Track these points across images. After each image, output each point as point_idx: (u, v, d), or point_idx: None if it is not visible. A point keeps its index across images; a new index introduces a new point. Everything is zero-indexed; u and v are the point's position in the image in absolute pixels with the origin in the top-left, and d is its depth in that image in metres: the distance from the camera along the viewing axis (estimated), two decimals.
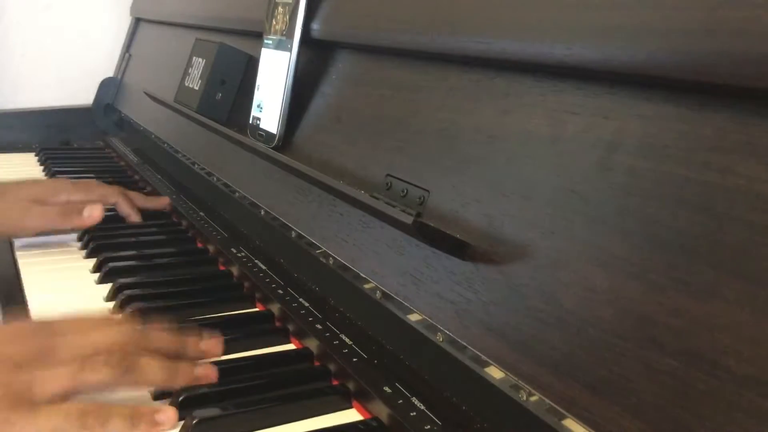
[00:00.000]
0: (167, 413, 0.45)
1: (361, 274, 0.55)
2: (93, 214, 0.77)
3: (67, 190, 0.82)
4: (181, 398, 0.47)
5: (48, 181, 0.89)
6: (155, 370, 0.47)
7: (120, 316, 0.53)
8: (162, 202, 0.91)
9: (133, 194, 0.88)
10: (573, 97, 0.41)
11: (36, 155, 1.25)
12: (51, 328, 0.48)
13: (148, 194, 1.02)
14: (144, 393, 0.50)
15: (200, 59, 0.87)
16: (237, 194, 0.79)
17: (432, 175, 0.50)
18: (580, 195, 0.39)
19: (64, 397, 0.44)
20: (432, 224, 0.45)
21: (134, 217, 0.86)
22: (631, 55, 0.36)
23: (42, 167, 1.17)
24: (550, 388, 0.38)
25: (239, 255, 0.74)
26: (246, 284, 0.69)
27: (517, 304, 0.41)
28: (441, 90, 0.52)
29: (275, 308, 0.63)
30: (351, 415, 0.49)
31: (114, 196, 0.85)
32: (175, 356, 0.50)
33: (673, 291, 0.33)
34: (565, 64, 0.40)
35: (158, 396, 0.49)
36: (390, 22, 0.57)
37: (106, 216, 0.85)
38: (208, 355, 0.52)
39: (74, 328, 0.49)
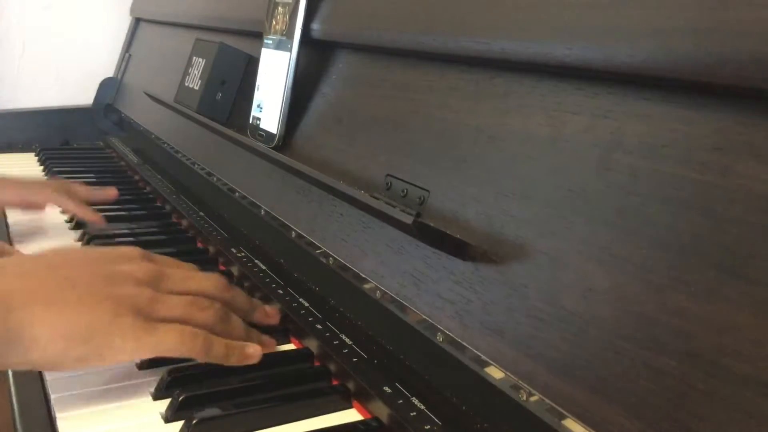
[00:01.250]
0: (254, 347, 0.52)
1: (361, 274, 0.55)
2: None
3: (8, 188, 0.83)
4: (181, 398, 0.47)
5: None
6: (240, 327, 0.54)
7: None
8: (108, 193, 0.90)
9: (76, 188, 0.86)
10: (573, 97, 0.41)
11: (36, 155, 1.25)
12: (155, 258, 0.55)
13: (148, 194, 1.02)
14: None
15: (200, 59, 0.87)
16: (237, 194, 0.79)
17: (432, 175, 0.50)
18: (580, 195, 0.39)
19: (173, 321, 0.49)
20: (432, 224, 0.45)
21: (81, 214, 0.83)
22: (631, 55, 0.36)
23: (42, 167, 1.17)
24: (550, 388, 0.38)
25: (239, 255, 0.74)
26: (246, 284, 0.69)
27: (517, 304, 0.41)
28: (441, 90, 0.52)
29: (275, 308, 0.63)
30: (351, 415, 0.49)
31: (50, 195, 0.83)
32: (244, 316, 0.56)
33: (674, 291, 0.33)
34: (565, 64, 0.40)
35: (158, 396, 0.49)
36: (390, 22, 0.57)
37: (106, 215, 0.85)
38: (267, 321, 0.59)
39: (177, 264, 0.57)
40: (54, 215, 0.88)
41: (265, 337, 0.56)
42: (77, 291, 0.47)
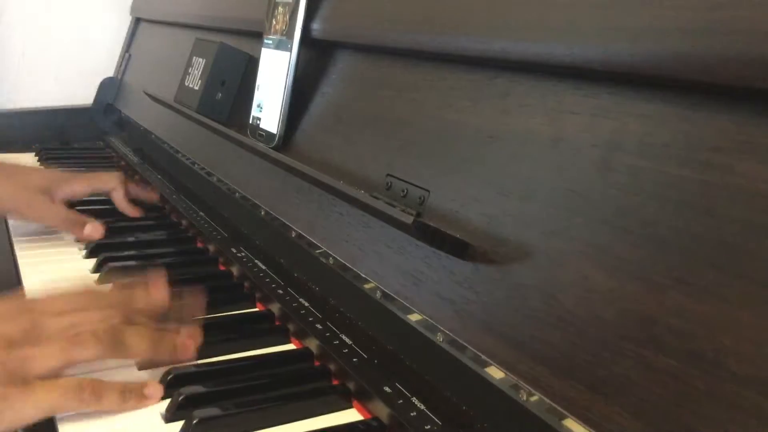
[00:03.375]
0: (154, 387, 0.48)
1: (361, 274, 0.55)
2: (93, 234, 0.79)
3: (70, 182, 0.84)
4: (181, 398, 0.47)
5: (55, 171, 0.91)
6: (140, 341, 0.50)
7: (101, 286, 0.55)
8: (151, 196, 0.93)
9: (131, 185, 0.90)
10: (573, 97, 0.41)
11: (36, 155, 1.25)
12: (36, 305, 0.50)
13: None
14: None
15: (200, 59, 0.87)
16: (237, 194, 0.79)
17: (432, 175, 0.50)
18: (580, 195, 0.39)
19: (57, 373, 0.46)
20: (432, 224, 0.45)
21: (129, 211, 0.88)
22: (631, 55, 0.36)
23: (42, 167, 1.17)
24: (550, 388, 0.38)
25: (239, 255, 0.74)
26: (246, 284, 0.69)
27: (517, 304, 0.41)
28: (441, 90, 0.52)
29: (275, 308, 0.63)
30: (351, 415, 0.49)
31: (113, 182, 0.88)
32: (159, 318, 0.52)
33: (674, 291, 0.33)
34: (565, 64, 0.40)
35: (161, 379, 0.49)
36: (390, 22, 0.57)
37: (106, 216, 0.85)
38: (189, 315, 0.55)
39: (59, 304, 0.50)
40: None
41: (182, 339, 0.52)
42: None
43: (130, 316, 0.51)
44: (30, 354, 0.46)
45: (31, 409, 0.44)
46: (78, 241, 0.80)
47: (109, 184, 0.88)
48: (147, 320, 0.52)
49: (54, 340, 0.47)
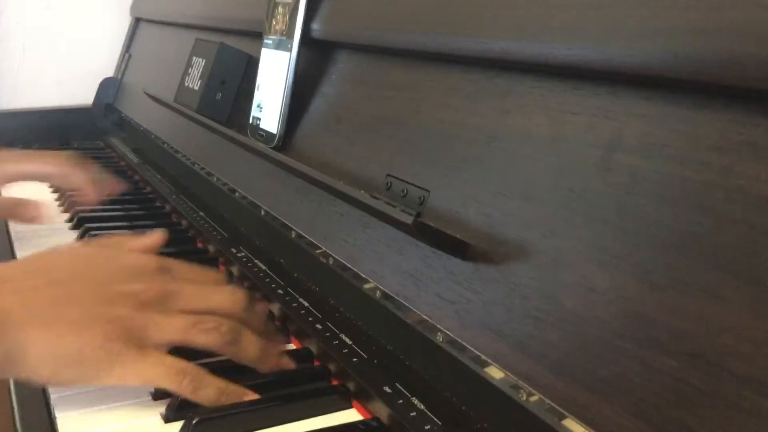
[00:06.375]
0: (250, 397, 0.48)
1: (361, 274, 0.55)
2: (36, 213, 0.76)
3: (14, 160, 0.81)
4: (181, 398, 0.47)
5: None
6: (253, 348, 0.51)
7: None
8: (114, 186, 0.89)
9: (89, 167, 0.86)
10: (573, 97, 0.41)
11: None
12: (173, 271, 0.53)
13: (148, 194, 1.02)
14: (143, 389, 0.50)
15: (200, 59, 0.87)
16: (237, 194, 0.79)
17: (432, 175, 0.50)
18: (580, 195, 0.39)
19: (171, 345, 0.48)
20: (432, 224, 0.45)
21: (89, 192, 0.83)
22: (631, 55, 0.36)
23: None
24: (550, 388, 0.38)
25: (239, 255, 0.74)
26: (246, 284, 0.69)
27: (517, 304, 0.41)
28: (441, 90, 0.52)
29: (275, 308, 0.63)
30: (351, 415, 0.49)
31: (51, 167, 0.82)
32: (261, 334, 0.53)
33: (673, 291, 0.33)
34: (565, 64, 0.40)
35: (157, 396, 0.49)
36: (390, 22, 0.57)
37: (106, 215, 0.85)
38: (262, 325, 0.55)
39: (194, 278, 0.53)
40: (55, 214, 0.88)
41: (285, 360, 0.53)
42: (73, 311, 0.46)
43: (249, 321, 0.52)
44: (155, 320, 0.47)
45: (135, 375, 0.45)
46: (27, 222, 0.77)
47: (46, 167, 0.81)
48: (257, 329, 0.53)
49: (181, 316, 0.48)
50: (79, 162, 0.83)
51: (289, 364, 0.53)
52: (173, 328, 0.48)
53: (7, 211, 0.77)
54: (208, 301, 0.51)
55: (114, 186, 0.89)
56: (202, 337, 0.48)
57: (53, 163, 0.82)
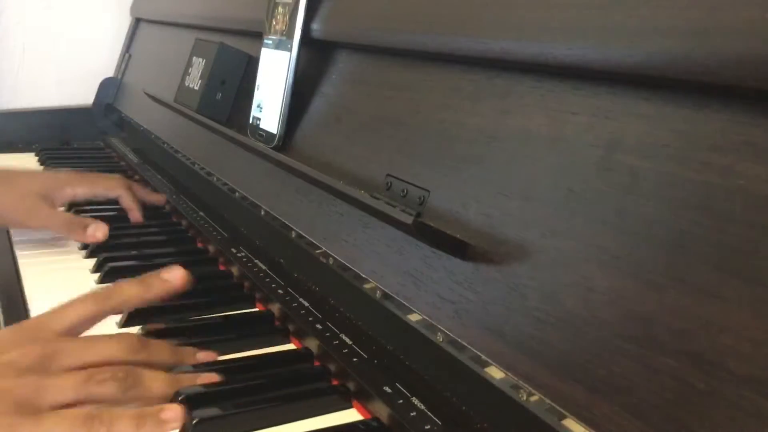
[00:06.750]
0: (173, 410, 0.44)
1: (361, 274, 0.55)
2: (96, 234, 0.78)
3: (71, 183, 0.84)
4: (180, 398, 0.47)
5: (53, 174, 0.90)
6: (159, 384, 0.47)
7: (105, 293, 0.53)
8: (160, 198, 0.94)
9: (136, 186, 0.91)
10: (573, 97, 0.41)
11: (36, 155, 1.25)
12: (48, 327, 0.48)
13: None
14: None
15: (200, 59, 0.87)
16: (237, 194, 0.79)
17: (432, 175, 0.50)
18: (580, 195, 0.39)
19: (68, 406, 0.44)
20: (432, 224, 0.45)
21: (136, 212, 0.87)
22: (631, 55, 0.36)
23: (42, 167, 1.17)
24: (550, 388, 0.38)
25: (239, 255, 0.74)
26: (246, 284, 0.69)
27: (517, 304, 0.41)
28: (441, 90, 0.52)
29: (275, 308, 0.63)
30: (351, 415, 0.49)
31: (118, 189, 0.87)
32: (172, 368, 0.50)
33: (673, 291, 0.33)
34: (565, 64, 0.40)
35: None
36: (390, 22, 0.57)
37: (106, 215, 0.85)
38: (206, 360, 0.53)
39: (71, 321, 0.49)
40: None
41: (201, 379, 0.50)
42: None
43: (147, 360, 0.49)
44: (43, 385, 0.44)
45: None
46: (81, 243, 0.80)
47: (115, 190, 0.87)
48: (160, 362, 0.50)
49: (71, 374, 0.45)
50: (127, 184, 0.89)
51: (211, 378, 0.50)
52: (65, 388, 0.44)
53: (66, 228, 0.79)
54: (95, 353, 0.47)
55: (157, 198, 0.93)
56: (100, 389, 0.45)
57: (106, 186, 0.87)
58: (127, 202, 0.87)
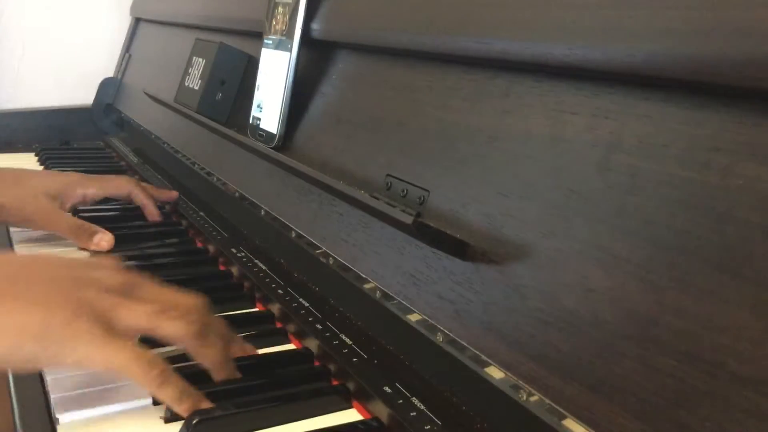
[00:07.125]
0: (208, 406, 0.46)
1: (361, 274, 0.55)
2: (101, 244, 0.78)
3: (82, 185, 0.84)
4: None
5: (63, 175, 0.90)
6: (218, 351, 0.49)
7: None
8: (172, 194, 0.93)
9: (145, 185, 0.90)
10: (573, 97, 0.41)
11: (36, 155, 1.25)
12: (138, 274, 0.51)
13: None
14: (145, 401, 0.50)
15: (200, 59, 0.87)
16: (237, 194, 0.79)
17: (432, 175, 0.50)
18: (580, 195, 0.39)
19: (138, 332, 0.48)
20: (432, 224, 0.45)
21: (152, 208, 0.87)
22: (631, 55, 0.36)
23: (42, 167, 1.17)
24: (550, 388, 0.38)
25: (239, 255, 0.74)
26: (246, 284, 0.69)
27: (517, 304, 0.41)
28: (441, 90, 0.52)
29: (275, 308, 0.63)
30: (351, 415, 0.49)
31: (128, 187, 0.87)
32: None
33: (673, 291, 0.33)
34: (565, 64, 0.40)
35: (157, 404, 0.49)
36: (390, 22, 0.57)
37: (106, 215, 0.85)
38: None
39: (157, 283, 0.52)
40: None
41: (248, 346, 0.54)
42: (41, 289, 0.45)
43: (212, 326, 0.51)
44: (123, 303, 0.46)
45: (102, 358, 0.43)
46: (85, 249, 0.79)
47: (124, 188, 0.87)
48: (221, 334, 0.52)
49: (148, 302, 0.47)
50: (138, 183, 0.89)
51: (236, 374, 0.51)
52: (141, 313, 0.46)
53: (73, 233, 0.78)
54: (172, 297, 0.49)
55: (169, 195, 0.92)
56: (170, 325, 0.47)
57: (116, 185, 0.87)
58: (142, 199, 0.87)
